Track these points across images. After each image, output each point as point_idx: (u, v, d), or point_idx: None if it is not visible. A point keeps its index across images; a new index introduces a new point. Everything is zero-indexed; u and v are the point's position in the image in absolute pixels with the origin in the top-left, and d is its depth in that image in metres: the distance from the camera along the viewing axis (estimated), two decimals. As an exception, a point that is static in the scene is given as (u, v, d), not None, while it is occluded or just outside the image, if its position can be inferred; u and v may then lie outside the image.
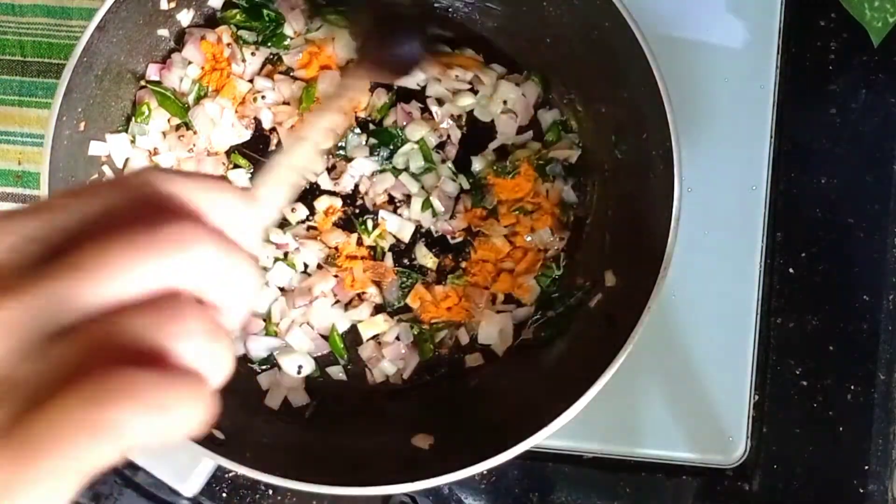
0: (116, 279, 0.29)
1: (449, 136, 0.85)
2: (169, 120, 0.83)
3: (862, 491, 0.84)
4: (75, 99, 0.73)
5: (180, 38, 0.83)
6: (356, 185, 0.85)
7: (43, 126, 0.71)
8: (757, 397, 0.85)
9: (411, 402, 0.82)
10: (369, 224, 0.84)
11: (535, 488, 0.84)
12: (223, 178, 0.34)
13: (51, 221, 0.30)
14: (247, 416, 0.78)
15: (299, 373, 0.81)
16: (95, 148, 0.78)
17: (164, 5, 0.79)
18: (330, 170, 0.85)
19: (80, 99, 0.74)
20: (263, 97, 0.84)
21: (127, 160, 0.81)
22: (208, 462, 0.67)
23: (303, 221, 0.84)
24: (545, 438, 0.67)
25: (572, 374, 0.73)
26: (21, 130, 0.88)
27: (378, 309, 0.83)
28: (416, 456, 0.75)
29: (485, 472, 0.84)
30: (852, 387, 0.85)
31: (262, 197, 0.40)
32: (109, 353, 0.29)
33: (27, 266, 0.29)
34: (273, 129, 0.85)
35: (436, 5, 0.85)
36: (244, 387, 0.81)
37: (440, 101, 0.85)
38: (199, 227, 0.31)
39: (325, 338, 0.83)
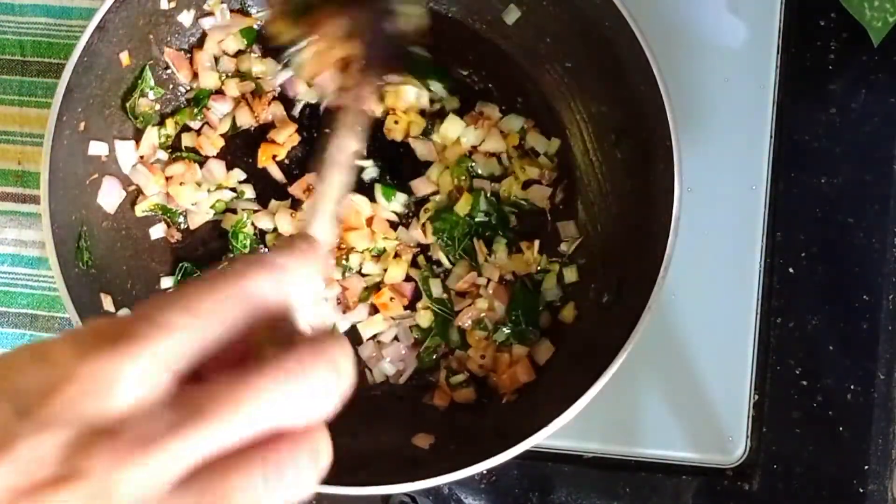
0: (243, 427, 0.32)
1: None
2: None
3: (862, 491, 0.84)
4: (75, 99, 0.73)
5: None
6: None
7: (43, 126, 0.71)
8: (757, 397, 0.85)
9: (411, 402, 0.82)
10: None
11: (535, 488, 0.84)
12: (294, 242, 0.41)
13: (178, 347, 0.32)
14: (247, 416, 0.78)
15: (299, 373, 0.81)
16: (95, 148, 0.78)
17: (164, 5, 0.79)
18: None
19: (80, 99, 0.74)
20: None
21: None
22: (208, 462, 0.67)
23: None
24: (545, 438, 0.68)
25: (572, 373, 0.73)
26: (21, 130, 0.88)
27: (375, 309, 0.83)
28: (416, 456, 0.75)
29: (485, 472, 0.84)
30: (852, 387, 0.85)
31: (320, 240, 0.42)
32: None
33: (158, 404, 0.31)
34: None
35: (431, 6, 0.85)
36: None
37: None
38: (313, 354, 0.34)
39: (325, 338, 0.82)
